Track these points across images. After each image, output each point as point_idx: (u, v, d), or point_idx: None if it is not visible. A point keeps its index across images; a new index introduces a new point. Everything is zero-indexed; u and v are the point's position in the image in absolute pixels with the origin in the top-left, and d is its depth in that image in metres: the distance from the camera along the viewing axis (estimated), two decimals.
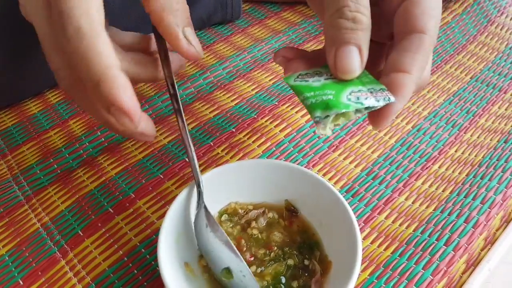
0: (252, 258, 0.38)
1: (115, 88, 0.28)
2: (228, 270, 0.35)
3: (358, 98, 0.29)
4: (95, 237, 0.42)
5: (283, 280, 0.37)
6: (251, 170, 0.41)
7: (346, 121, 0.30)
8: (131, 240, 0.41)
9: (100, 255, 0.41)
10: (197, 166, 0.38)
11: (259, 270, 0.37)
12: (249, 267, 0.36)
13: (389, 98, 0.30)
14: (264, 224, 0.40)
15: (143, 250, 0.41)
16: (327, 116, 0.29)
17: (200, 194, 0.38)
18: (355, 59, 0.30)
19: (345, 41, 0.30)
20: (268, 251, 0.38)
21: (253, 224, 0.40)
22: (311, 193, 0.40)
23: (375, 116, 0.31)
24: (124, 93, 0.28)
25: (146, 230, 0.42)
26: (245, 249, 0.38)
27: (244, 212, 0.41)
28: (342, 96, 0.29)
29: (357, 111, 0.30)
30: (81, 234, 0.42)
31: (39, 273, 0.40)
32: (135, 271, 0.40)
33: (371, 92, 0.30)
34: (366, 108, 0.29)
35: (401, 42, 0.32)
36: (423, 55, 0.31)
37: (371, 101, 0.29)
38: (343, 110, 0.29)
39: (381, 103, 0.30)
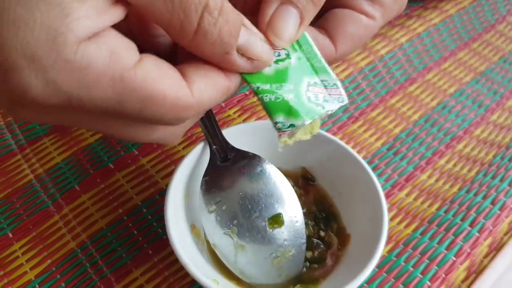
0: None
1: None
2: (278, 216, 0.33)
3: (317, 98, 0.26)
4: (93, 192, 0.39)
5: None
6: (266, 132, 0.38)
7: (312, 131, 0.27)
8: (132, 199, 0.38)
9: (98, 212, 0.37)
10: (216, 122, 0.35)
11: None
12: None
13: (343, 99, 0.26)
14: None
15: (144, 210, 0.38)
16: (292, 125, 0.25)
17: (212, 150, 0.34)
18: (293, 25, 0.25)
19: (294, 3, 0.25)
20: None
21: None
22: (331, 160, 0.37)
23: None
24: None
25: (149, 189, 0.39)
26: None
27: None
28: (302, 93, 0.26)
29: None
30: (78, 188, 0.39)
31: (30, 226, 0.36)
32: (135, 232, 0.36)
33: (325, 87, 0.26)
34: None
35: None
36: None
37: (330, 105, 0.26)
38: (308, 121, 0.25)
39: (336, 106, 0.26)
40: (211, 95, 0.23)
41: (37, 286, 0.33)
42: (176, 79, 0.21)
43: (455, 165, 0.43)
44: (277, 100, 0.25)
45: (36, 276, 0.34)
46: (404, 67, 0.52)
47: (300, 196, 0.37)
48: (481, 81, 0.51)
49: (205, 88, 0.22)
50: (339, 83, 0.27)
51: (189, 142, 0.42)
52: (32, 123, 0.22)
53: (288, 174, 0.38)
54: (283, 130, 0.25)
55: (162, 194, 0.39)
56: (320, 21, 0.30)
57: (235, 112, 0.45)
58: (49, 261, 0.35)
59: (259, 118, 0.45)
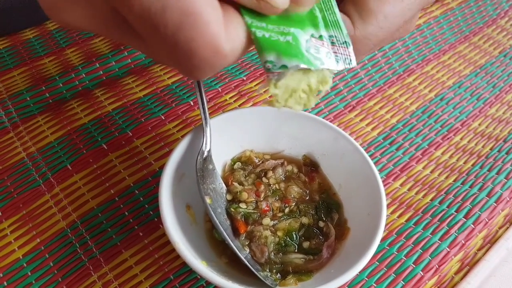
0: (268, 209, 0.34)
1: None
2: None
3: (317, 51, 0.22)
4: (85, 173, 0.38)
5: (295, 238, 0.33)
6: (269, 117, 0.37)
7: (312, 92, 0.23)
8: (125, 180, 0.38)
9: (89, 193, 0.37)
10: (206, 106, 0.34)
11: (272, 223, 0.34)
12: (263, 218, 0.33)
13: (350, 61, 0.24)
14: (282, 176, 0.37)
15: (136, 191, 0.37)
16: (284, 66, 0.20)
17: (205, 136, 0.34)
18: None
19: None
20: (284, 205, 0.35)
21: (270, 174, 0.36)
22: (333, 150, 0.36)
23: None
24: None
25: (142, 171, 0.38)
26: (263, 195, 0.35)
27: (260, 161, 0.37)
28: (301, 40, 0.22)
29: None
30: (70, 168, 0.38)
31: (20, 205, 0.36)
32: (126, 213, 0.36)
33: (332, 43, 0.23)
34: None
35: None
36: None
37: (332, 63, 0.23)
38: (304, 65, 0.21)
39: (340, 67, 0.23)
40: (240, 53, 0.20)
41: (24, 265, 0.33)
42: (220, 19, 0.19)
43: (451, 156, 0.42)
44: (271, 38, 0.21)
45: (24, 255, 0.33)
46: (403, 58, 0.51)
47: (304, 183, 0.37)
48: (480, 74, 0.51)
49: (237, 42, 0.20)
50: (350, 42, 0.24)
51: (184, 125, 0.42)
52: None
53: (292, 161, 0.38)
54: (272, 71, 0.21)
55: (155, 176, 0.38)
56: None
57: (231, 97, 0.45)
58: (38, 240, 0.34)
59: (255, 104, 0.44)
